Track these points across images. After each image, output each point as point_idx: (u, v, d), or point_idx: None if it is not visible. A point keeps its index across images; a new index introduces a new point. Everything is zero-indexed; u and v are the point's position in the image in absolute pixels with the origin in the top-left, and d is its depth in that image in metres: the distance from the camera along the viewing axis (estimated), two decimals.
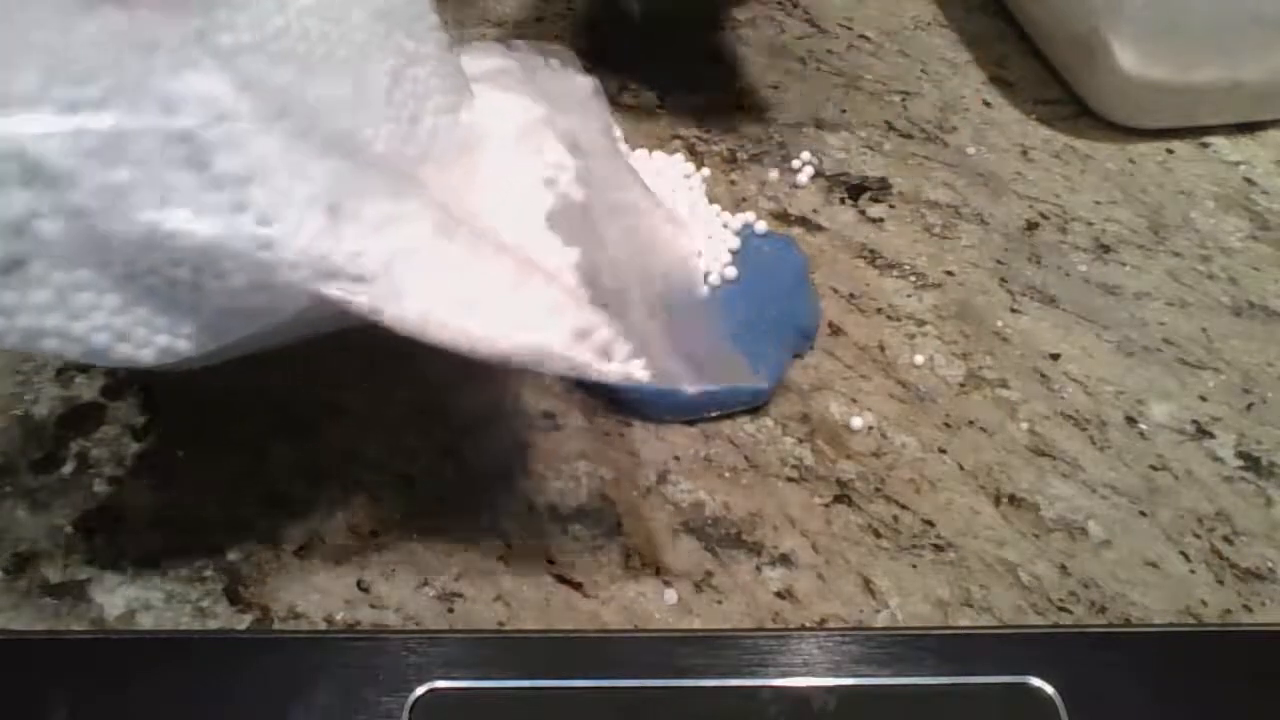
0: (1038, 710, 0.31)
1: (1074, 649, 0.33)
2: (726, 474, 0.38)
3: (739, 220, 0.43)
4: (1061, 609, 0.35)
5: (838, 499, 0.37)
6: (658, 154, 0.45)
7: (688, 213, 0.43)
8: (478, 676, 0.32)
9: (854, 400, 0.40)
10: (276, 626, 0.33)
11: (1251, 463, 0.39)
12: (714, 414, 0.39)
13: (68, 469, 0.37)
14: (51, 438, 0.38)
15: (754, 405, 0.39)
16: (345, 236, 0.29)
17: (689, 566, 0.35)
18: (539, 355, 0.29)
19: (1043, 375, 0.41)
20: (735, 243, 0.42)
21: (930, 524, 0.37)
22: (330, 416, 0.39)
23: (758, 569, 0.35)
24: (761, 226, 0.43)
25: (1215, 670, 0.33)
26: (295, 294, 0.29)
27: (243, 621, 0.33)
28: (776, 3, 0.58)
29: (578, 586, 0.35)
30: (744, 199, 0.47)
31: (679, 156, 0.46)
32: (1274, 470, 0.38)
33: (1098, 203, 0.48)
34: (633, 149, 0.46)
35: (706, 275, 0.40)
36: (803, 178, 0.48)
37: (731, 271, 0.40)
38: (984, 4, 0.58)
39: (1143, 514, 0.37)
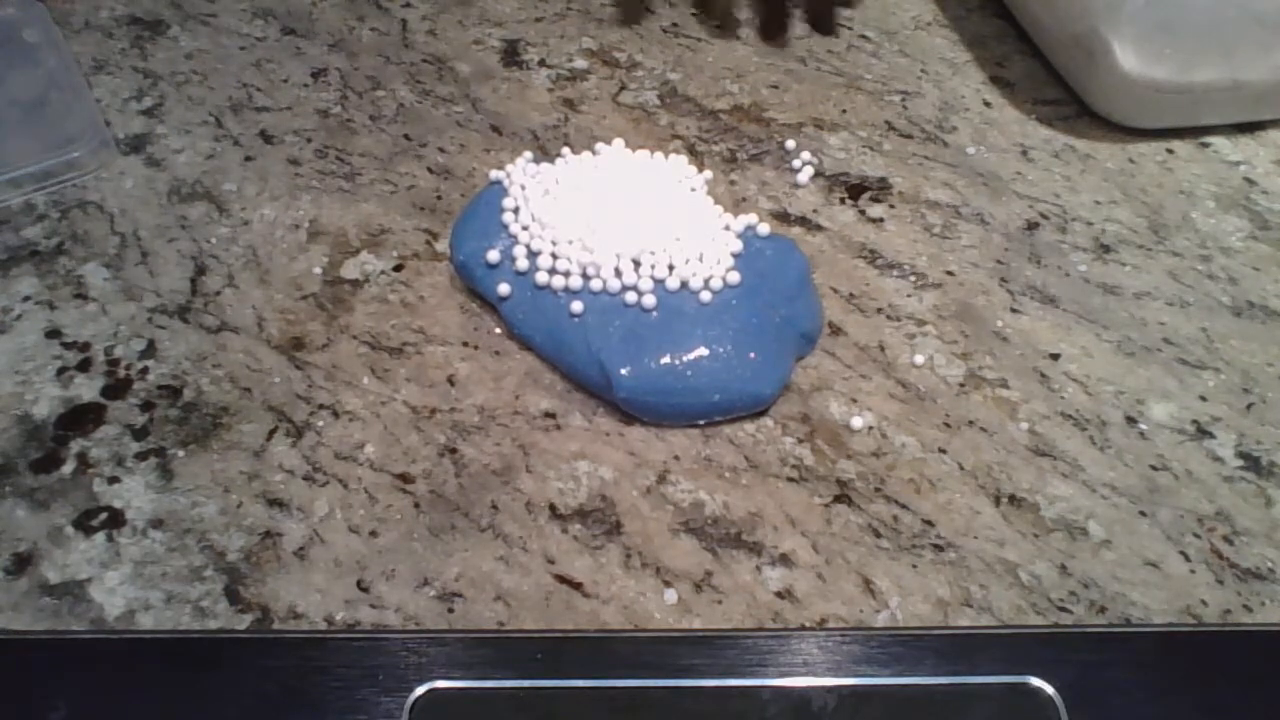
0: (1038, 710, 0.31)
1: (1074, 649, 0.33)
2: (726, 474, 0.38)
3: (741, 222, 0.43)
4: (1061, 609, 0.35)
5: (838, 499, 0.37)
6: (658, 155, 0.45)
7: (689, 215, 0.42)
8: (478, 676, 0.32)
9: (854, 400, 0.40)
10: (276, 626, 0.33)
11: (1251, 463, 0.39)
12: (717, 419, 0.39)
13: (68, 469, 0.37)
14: (51, 438, 0.38)
15: (756, 411, 0.39)
16: None
17: (689, 566, 0.35)
18: None
19: (1043, 375, 0.41)
20: (738, 246, 0.41)
21: (930, 524, 0.37)
22: (330, 416, 0.39)
23: (758, 569, 0.35)
24: (764, 229, 0.42)
25: (1215, 670, 0.33)
26: None
27: (243, 621, 0.33)
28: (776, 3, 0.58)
29: (578, 586, 0.35)
30: (744, 199, 0.47)
31: (682, 159, 0.45)
32: (1274, 470, 0.38)
33: (1098, 203, 0.48)
34: (633, 150, 0.46)
35: (708, 280, 0.40)
36: (803, 178, 0.48)
37: (734, 276, 0.40)
38: (984, 4, 0.58)
39: (1143, 514, 0.37)
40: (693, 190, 0.44)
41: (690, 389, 0.38)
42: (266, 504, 0.36)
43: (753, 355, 0.38)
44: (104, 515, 0.36)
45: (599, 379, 0.39)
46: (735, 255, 0.41)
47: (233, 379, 0.40)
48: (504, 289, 0.41)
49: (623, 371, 0.38)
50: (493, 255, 0.41)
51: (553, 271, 0.41)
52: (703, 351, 0.38)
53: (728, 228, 0.43)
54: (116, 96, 0.51)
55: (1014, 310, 0.43)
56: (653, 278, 0.40)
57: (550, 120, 0.51)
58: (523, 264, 0.41)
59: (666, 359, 0.38)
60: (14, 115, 0.48)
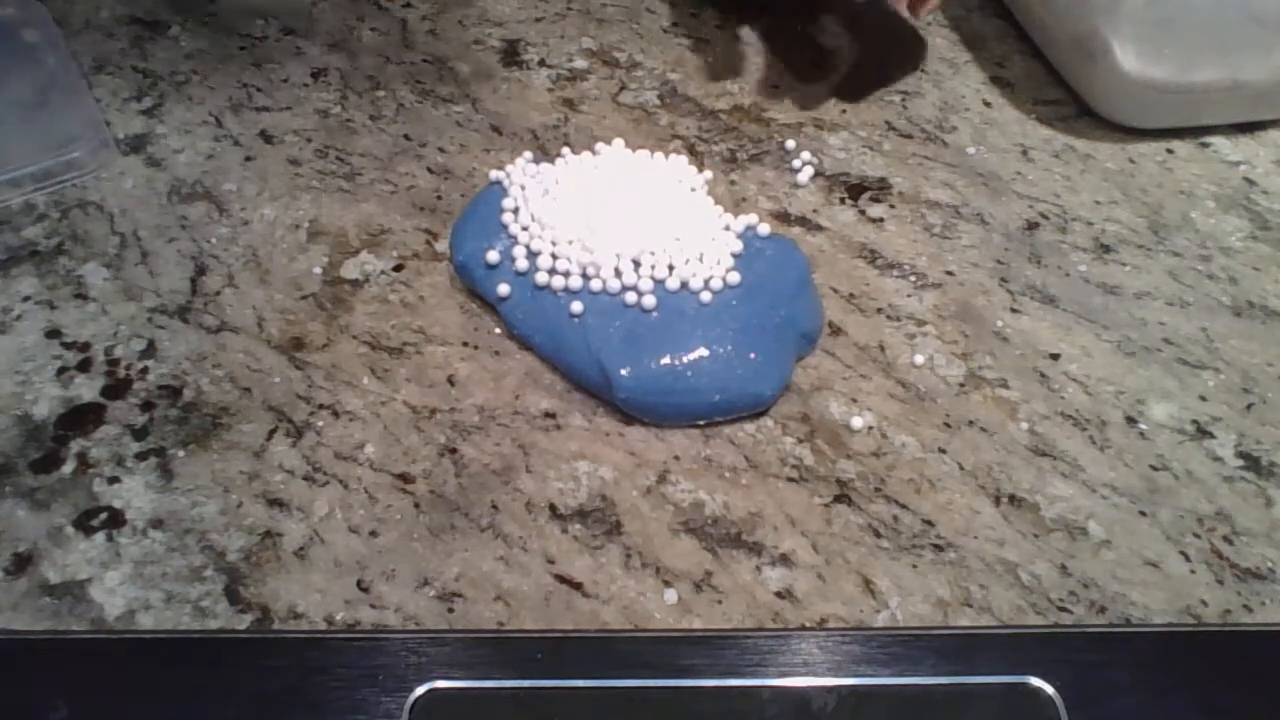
0: (1038, 710, 0.31)
1: (1074, 649, 0.33)
2: (726, 474, 0.38)
3: (741, 223, 0.43)
4: (1061, 609, 0.35)
5: (838, 499, 0.37)
6: (658, 155, 0.45)
7: (689, 215, 0.42)
8: (478, 676, 0.32)
9: (854, 400, 0.40)
10: (276, 626, 0.33)
11: (1251, 463, 0.39)
12: (717, 419, 0.39)
13: (68, 469, 0.37)
14: (51, 438, 0.38)
15: (756, 412, 0.39)
16: None
17: (689, 566, 0.35)
18: None
19: (1043, 375, 0.41)
20: (738, 246, 0.41)
21: (930, 524, 0.37)
22: (330, 416, 0.39)
23: (758, 569, 0.35)
24: (764, 229, 0.42)
25: (1215, 670, 0.33)
26: None
27: (243, 621, 0.33)
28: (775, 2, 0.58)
29: (578, 586, 0.35)
30: (744, 199, 0.47)
31: (682, 159, 0.45)
32: (1274, 470, 0.38)
33: (1098, 203, 0.48)
34: (633, 150, 0.46)
35: (708, 280, 0.40)
36: (803, 178, 0.48)
37: (734, 277, 0.40)
38: (984, 4, 0.58)
39: (1143, 514, 0.37)
40: (693, 190, 0.44)
41: (690, 389, 0.38)
42: (266, 504, 0.36)
43: (753, 355, 0.38)
44: (104, 515, 0.36)
45: (599, 379, 0.39)
46: (735, 255, 0.41)
47: (233, 379, 0.40)
48: (504, 289, 0.41)
49: (622, 372, 0.38)
50: (492, 255, 0.41)
51: (553, 271, 0.41)
52: (703, 352, 0.38)
53: (728, 228, 0.42)
54: (116, 96, 0.51)
55: (1014, 310, 0.43)
56: (653, 278, 0.40)
57: (550, 120, 0.51)
58: (522, 264, 0.41)
59: (666, 359, 0.38)
60: (14, 115, 0.48)
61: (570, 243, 0.41)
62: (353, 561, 0.35)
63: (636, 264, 0.40)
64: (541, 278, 0.40)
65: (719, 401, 0.38)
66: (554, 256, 0.41)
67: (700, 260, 0.41)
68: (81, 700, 0.31)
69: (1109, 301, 0.44)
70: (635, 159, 0.45)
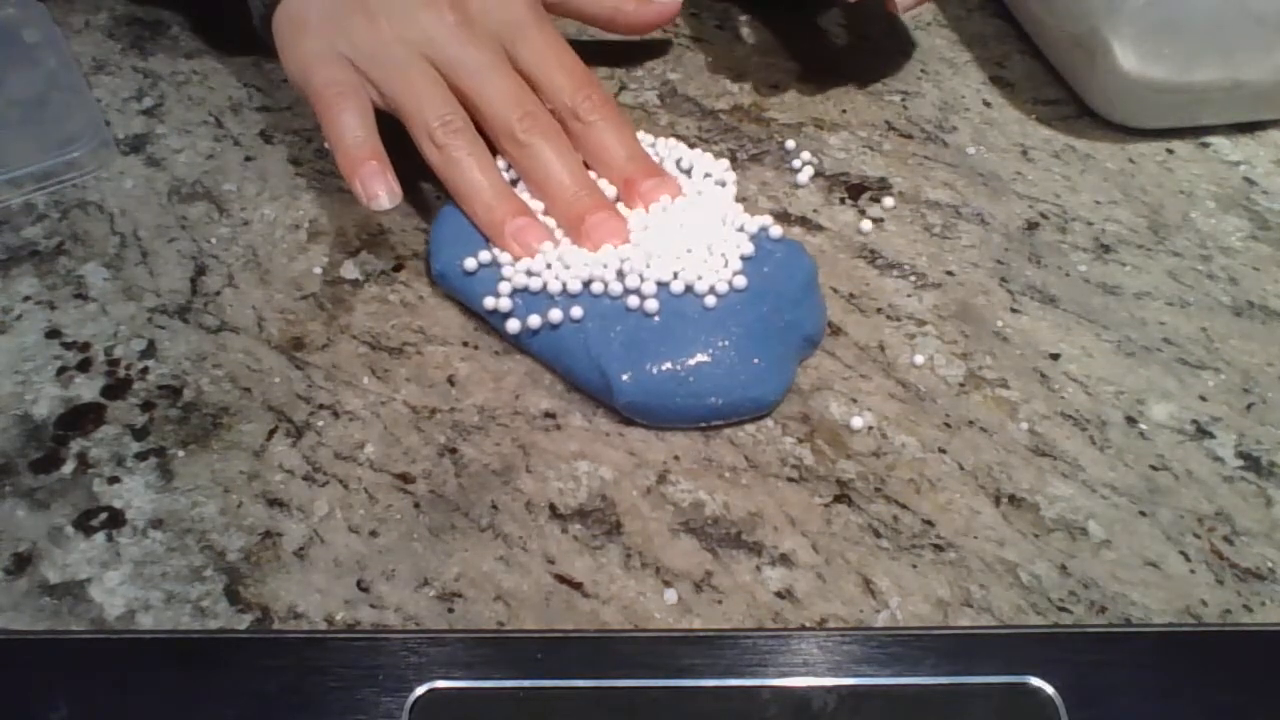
0: (1038, 710, 0.31)
1: (1074, 649, 0.33)
2: (726, 474, 0.38)
3: (756, 223, 0.42)
4: (1061, 609, 0.35)
5: (838, 499, 0.37)
6: (679, 145, 0.45)
7: (697, 215, 0.42)
8: (478, 676, 0.32)
9: (854, 400, 0.40)
10: (276, 626, 0.33)
11: (1251, 463, 0.39)
12: (719, 422, 0.39)
13: (68, 469, 0.37)
14: (51, 438, 0.38)
15: (758, 415, 0.39)
16: None
17: (689, 566, 0.35)
18: None
19: (1043, 375, 0.41)
20: (749, 248, 0.41)
21: (930, 524, 0.37)
22: (330, 416, 0.39)
23: (758, 569, 0.35)
24: (776, 231, 0.42)
25: (1215, 670, 0.33)
26: None
27: (243, 621, 0.34)
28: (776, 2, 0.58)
29: (578, 586, 0.35)
30: (744, 199, 0.47)
31: (723, 162, 0.45)
32: (1274, 470, 0.38)
33: (1098, 203, 0.48)
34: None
35: (714, 283, 0.39)
36: (803, 178, 0.48)
37: (741, 280, 0.39)
38: (984, 4, 0.58)
39: (1143, 514, 0.37)
40: (725, 186, 0.44)
41: (692, 394, 0.38)
42: (266, 504, 0.36)
43: (756, 360, 0.38)
44: (104, 515, 0.36)
45: (599, 384, 0.38)
46: (745, 258, 0.40)
47: (233, 379, 0.40)
48: (490, 301, 0.40)
49: (624, 378, 0.37)
50: (470, 263, 0.41)
51: (553, 276, 0.40)
52: (705, 357, 0.38)
53: (741, 228, 0.42)
54: (116, 96, 0.51)
55: (1014, 310, 0.43)
56: (656, 280, 0.39)
57: None
58: (517, 268, 0.40)
59: (668, 365, 0.38)
60: (14, 115, 0.48)
61: (570, 244, 0.41)
62: (353, 561, 0.35)
63: (639, 266, 0.40)
64: (536, 282, 0.40)
65: (721, 406, 0.38)
66: (550, 260, 0.40)
67: (705, 262, 0.40)
68: (81, 700, 0.31)
69: (1109, 301, 0.44)
70: (651, 154, 0.44)
